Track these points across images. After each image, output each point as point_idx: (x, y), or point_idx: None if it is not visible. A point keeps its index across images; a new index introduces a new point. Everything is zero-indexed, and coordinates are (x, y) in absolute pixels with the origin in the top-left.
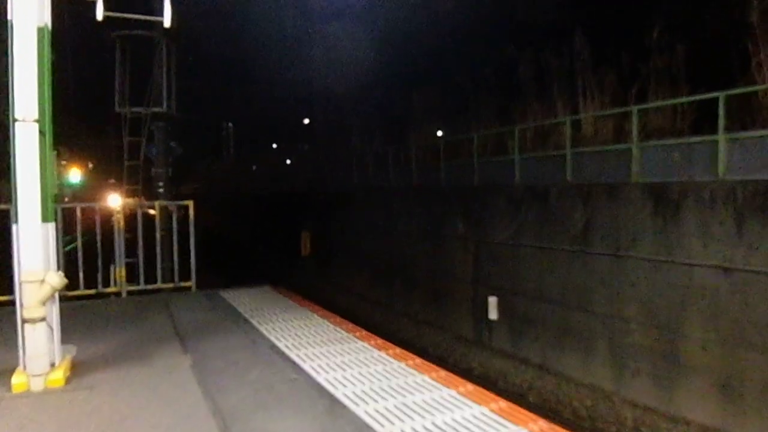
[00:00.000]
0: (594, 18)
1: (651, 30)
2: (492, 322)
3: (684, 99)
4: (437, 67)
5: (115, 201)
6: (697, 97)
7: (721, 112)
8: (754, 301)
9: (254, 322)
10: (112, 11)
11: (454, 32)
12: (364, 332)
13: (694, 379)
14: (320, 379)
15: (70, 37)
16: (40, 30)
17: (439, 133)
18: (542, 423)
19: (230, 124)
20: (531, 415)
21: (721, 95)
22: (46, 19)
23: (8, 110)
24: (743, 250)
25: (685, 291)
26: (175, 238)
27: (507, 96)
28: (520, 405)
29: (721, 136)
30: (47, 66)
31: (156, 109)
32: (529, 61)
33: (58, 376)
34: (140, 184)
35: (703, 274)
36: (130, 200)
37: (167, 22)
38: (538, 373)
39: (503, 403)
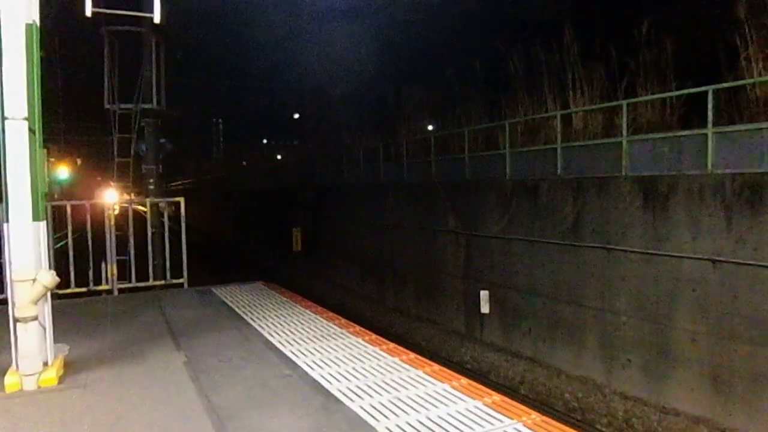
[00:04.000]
0: (583, 12)
1: (640, 24)
2: (484, 315)
3: (673, 93)
4: (427, 62)
5: (111, 197)
6: (686, 92)
7: (710, 105)
8: (742, 293)
9: (247, 318)
10: (101, 7)
11: (443, 27)
12: (357, 328)
13: (683, 371)
14: (315, 374)
15: (59, 34)
16: (29, 27)
17: (430, 128)
18: (535, 416)
19: (220, 120)
20: (524, 408)
21: (710, 89)
22: (35, 15)
23: None
24: (732, 243)
25: (675, 283)
26: (166, 234)
27: (497, 90)
28: (513, 398)
29: (710, 130)
30: (36, 63)
31: (146, 106)
32: (519, 56)
33: (51, 375)
34: (131, 181)
35: (692, 267)
36: (121, 197)
37: (157, 17)
38: (529, 366)
39: (497, 397)
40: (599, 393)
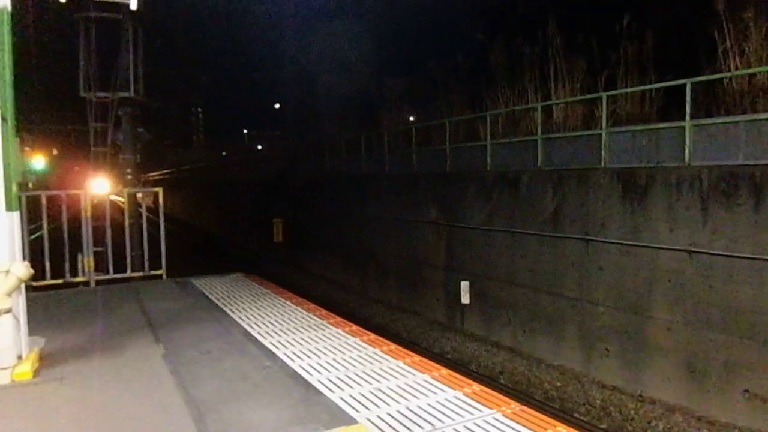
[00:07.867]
0: (566, 5)
1: (621, 18)
2: (464, 306)
3: (652, 85)
4: (409, 53)
5: (102, 187)
6: (665, 84)
7: (688, 98)
8: (717, 284)
9: (227, 309)
10: None
11: (426, 18)
12: (338, 318)
13: (660, 360)
14: (295, 366)
15: (32, 19)
16: (0, 12)
17: (412, 119)
18: (514, 406)
19: (200, 110)
20: (504, 398)
21: (688, 82)
22: (6, 1)
23: None
24: (708, 234)
25: (652, 274)
26: (144, 225)
27: (479, 82)
28: (493, 388)
29: (688, 123)
30: (8, 49)
31: (123, 94)
32: (501, 48)
33: (26, 368)
34: (108, 171)
35: (669, 258)
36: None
37: (133, 4)
38: (509, 356)
39: (477, 387)
40: (578, 382)
